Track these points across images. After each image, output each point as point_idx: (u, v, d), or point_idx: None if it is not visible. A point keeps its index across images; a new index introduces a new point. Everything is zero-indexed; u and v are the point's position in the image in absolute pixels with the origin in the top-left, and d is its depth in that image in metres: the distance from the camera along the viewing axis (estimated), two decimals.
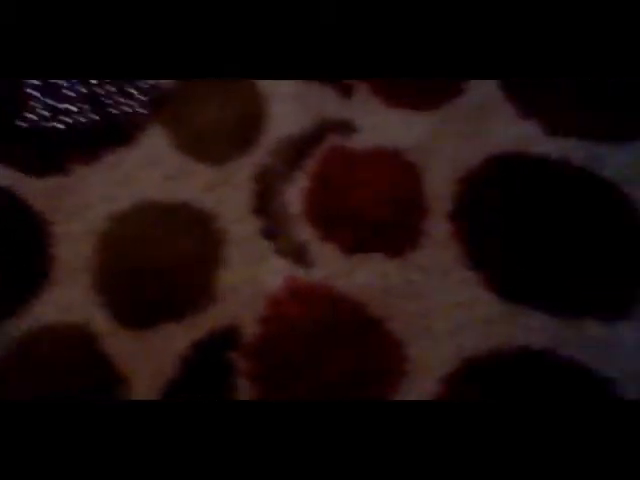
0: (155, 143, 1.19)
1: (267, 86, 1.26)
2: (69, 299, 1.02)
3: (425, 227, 1.12)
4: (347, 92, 1.27)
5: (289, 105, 1.25)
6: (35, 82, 1.15)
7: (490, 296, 1.05)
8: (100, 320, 1.01)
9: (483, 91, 1.27)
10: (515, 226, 1.12)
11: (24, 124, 1.14)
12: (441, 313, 1.04)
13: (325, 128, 1.22)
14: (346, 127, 1.23)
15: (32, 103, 1.15)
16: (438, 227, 1.11)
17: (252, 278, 1.06)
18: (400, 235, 1.11)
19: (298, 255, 1.08)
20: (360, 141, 1.21)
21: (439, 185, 1.15)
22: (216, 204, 1.13)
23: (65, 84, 1.15)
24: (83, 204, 1.12)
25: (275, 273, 1.06)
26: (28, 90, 1.15)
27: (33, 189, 1.12)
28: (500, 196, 1.16)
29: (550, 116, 1.24)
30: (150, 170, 1.16)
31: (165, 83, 1.23)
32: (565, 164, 1.19)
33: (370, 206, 1.13)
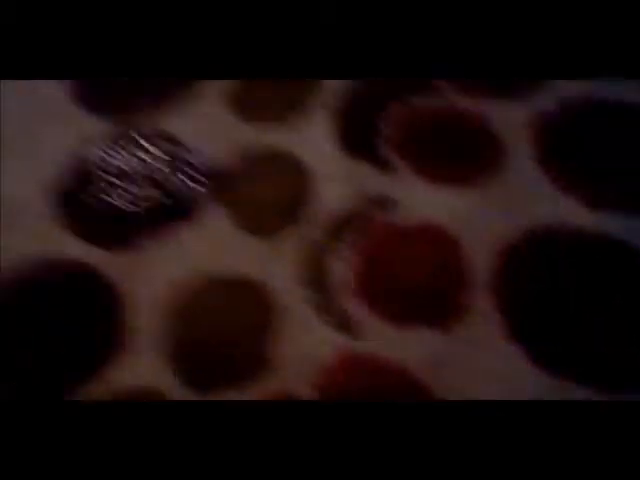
0: (214, 219, 1.27)
1: (314, 164, 1.34)
2: (138, 365, 1.09)
3: (468, 300, 1.17)
4: (389, 170, 1.35)
5: (336, 183, 1.32)
6: (106, 167, 1.25)
7: (533, 369, 1.08)
8: (166, 385, 1.07)
9: (522, 167, 1.33)
10: (555, 298, 1.17)
11: (96, 205, 1.24)
12: (485, 384, 1.08)
13: (369, 204, 1.29)
14: (389, 203, 1.30)
15: (103, 186, 1.25)
16: (481, 299, 1.16)
17: (304, 348, 1.11)
18: (444, 307, 1.16)
19: (347, 326, 1.14)
20: (403, 217, 1.27)
21: (481, 258, 1.21)
22: (269, 276, 1.20)
23: (131, 168, 1.24)
24: (150, 276, 1.19)
25: (325, 343, 1.12)
26: (110, 178, 1.25)
27: (105, 262, 1.20)
28: (540, 269, 1.20)
29: (589, 190, 1.29)
30: (209, 245, 1.24)
31: (222, 164, 1.32)
32: (604, 237, 1.23)
33: (414, 279, 1.19)
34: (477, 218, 1.26)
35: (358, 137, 1.39)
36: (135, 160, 1.25)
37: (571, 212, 1.27)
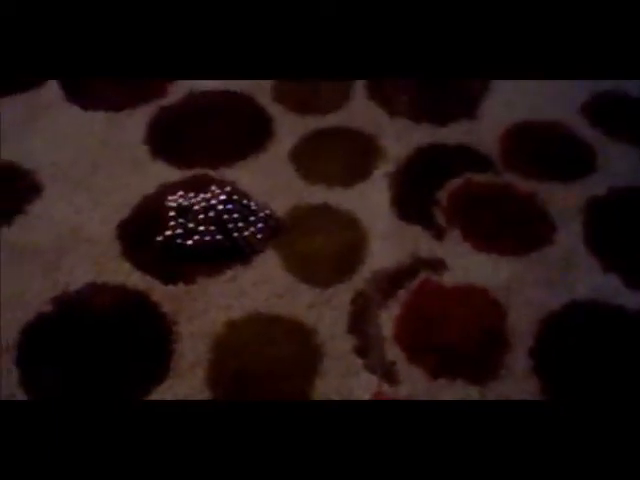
0: (268, 264, 1.36)
1: (368, 222, 1.43)
2: (185, 389, 1.16)
3: (506, 360, 1.21)
4: (440, 235, 1.42)
5: (387, 242, 1.41)
6: (175, 205, 1.36)
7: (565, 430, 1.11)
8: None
9: (567, 243, 1.39)
10: (591, 367, 1.20)
11: (162, 239, 1.34)
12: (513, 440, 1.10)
13: (418, 265, 1.36)
14: (438, 265, 1.37)
15: (170, 222, 1.35)
16: (519, 361, 1.20)
17: (344, 389, 1.17)
18: (483, 365, 1.20)
19: (387, 373, 1.19)
20: (450, 278, 1.34)
21: (522, 323, 1.26)
22: (316, 321, 1.27)
23: (198, 209, 1.35)
24: (203, 309, 1.28)
25: (365, 387, 1.17)
26: (169, 212, 1.36)
27: (163, 294, 1.30)
28: (578, 339, 1.24)
29: (629, 270, 1.34)
30: (261, 287, 1.32)
31: (282, 212, 1.42)
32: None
33: (456, 336, 1.24)
34: (520, 285, 1.31)
35: (416, 204, 1.47)
36: (203, 203, 1.36)
37: (611, 290, 1.31)
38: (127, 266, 1.35)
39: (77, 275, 1.33)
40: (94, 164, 1.55)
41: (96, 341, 1.24)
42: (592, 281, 1.33)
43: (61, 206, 1.45)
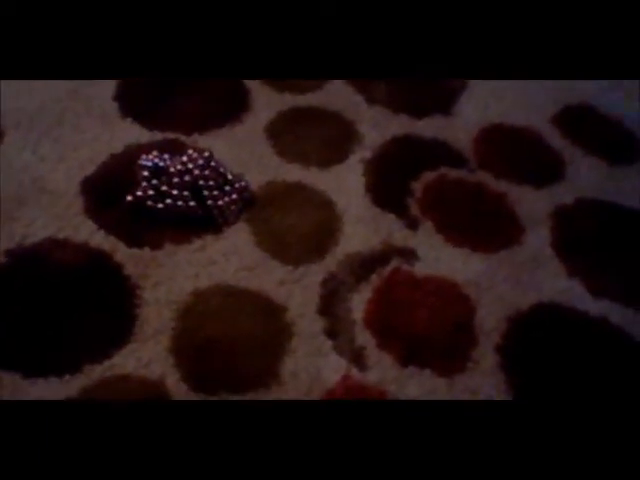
0: (239, 236, 1.32)
1: (343, 205, 1.41)
2: (147, 356, 1.11)
3: (474, 355, 1.21)
4: (414, 225, 1.41)
5: (361, 226, 1.39)
6: (148, 164, 1.30)
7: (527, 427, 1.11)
8: (171, 380, 1.08)
9: (536, 246, 1.41)
10: (556, 368, 1.22)
11: (131, 199, 1.28)
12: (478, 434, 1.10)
13: (391, 252, 1.35)
14: (410, 255, 1.36)
15: (142, 183, 1.29)
16: (486, 356, 1.21)
17: (312, 369, 1.14)
18: (450, 357, 1.20)
19: (356, 357, 1.17)
20: (421, 268, 1.33)
21: (490, 319, 1.26)
22: (286, 299, 1.24)
23: (174, 171, 1.30)
24: (169, 276, 1.23)
25: (333, 369, 1.15)
26: (142, 172, 1.30)
27: (127, 256, 1.24)
28: (544, 340, 1.26)
29: (593, 277, 1.37)
30: (231, 258, 1.28)
31: (256, 186, 1.38)
32: (603, 323, 1.30)
33: (425, 325, 1.23)
34: (489, 282, 1.32)
35: (391, 192, 1.46)
36: (180, 166, 1.30)
37: (575, 295, 1.33)
38: (90, 224, 1.29)
39: (36, 228, 1.26)
40: (61, 115, 1.47)
41: (53, 299, 1.17)
42: (558, 285, 1.35)
43: (24, 155, 1.37)
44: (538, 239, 1.43)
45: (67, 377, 1.05)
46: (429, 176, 1.52)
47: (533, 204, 1.51)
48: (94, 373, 1.07)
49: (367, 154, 1.54)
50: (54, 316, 1.14)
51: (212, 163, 1.34)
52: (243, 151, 1.48)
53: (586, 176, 1.60)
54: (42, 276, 1.19)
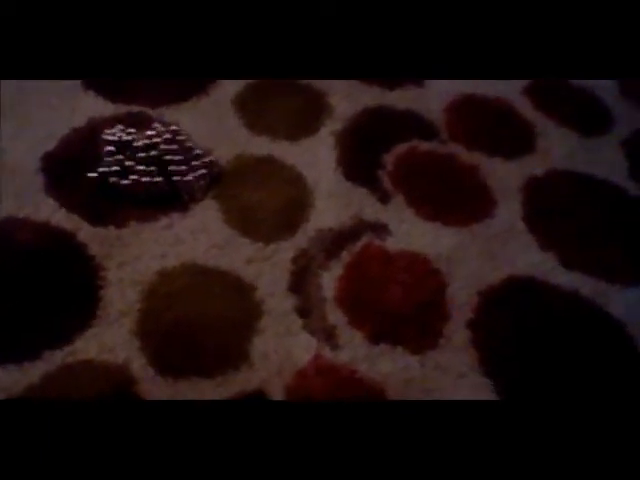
0: (207, 213, 1.29)
1: (313, 179, 1.38)
2: (111, 340, 1.08)
3: (445, 330, 1.20)
4: (385, 199, 1.39)
5: (332, 201, 1.36)
6: (113, 139, 1.26)
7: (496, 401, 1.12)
8: (137, 364, 1.06)
9: (508, 219, 1.40)
10: (527, 341, 1.21)
11: (95, 175, 1.24)
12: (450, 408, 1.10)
13: (362, 227, 1.33)
14: (381, 229, 1.34)
15: (106, 158, 1.25)
16: (457, 332, 1.20)
17: (282, 349, 1.12)
18: (422, 333, 1.19)
19: (327, 335, 1.16)
20: (393, 243, 1.31)
21: (461, 294, 1.25)
22: (255, 277, 1.21)
23: (140, 145, 1.26)
24: (134, 256, 1.19)
25: (304, 348, 1.13)
26: (106, 146, 1.25)
27: (91, 235, 1.20)
28: (515, 313, 1.25)
29: (565, 250, 1.36)
30: (199, 237, 1.25)
31: (227, 165, 1.35)
32: (574, 295, 1.30)
33: (397, 301, 1.22)
34: (461, 256, 1.31)
35: (362, 166, 1.44)
36: (145, 140, 1.26)
37: (547, 268, 1.33)
38: (51, 202, 1.25)
39: None
40: (19, 89, 1.41)
41: (13, 281, 1.13)
42: (530, 258, 1.34)
43: None
44: (510, 212, 1.42)
45: (26, 364, 1.02)
46: (401, 148, 1.50)
47: (504, 176, 1.49)
48: (55, 359, 1.04)
49: (338, 126, 1.51)
50: (13, 300, 1.10)
51: (179, 137, 1.30)
52: (210, 124, 1.44)
53: (558, 147, 1.59)
54: (2, 256, 1.15)
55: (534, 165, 1.54)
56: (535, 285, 1.30)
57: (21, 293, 1.11)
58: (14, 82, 1.41)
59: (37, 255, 1.16)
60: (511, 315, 1.25)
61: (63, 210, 1.23)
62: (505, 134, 1.61)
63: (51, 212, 1.22)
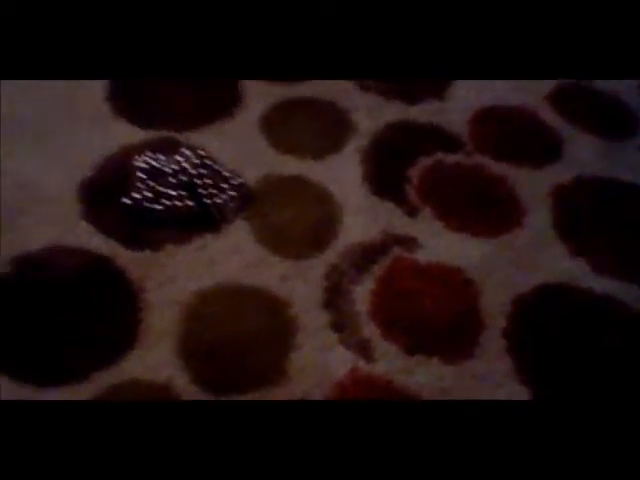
0: (239, 234, 1.31)
1: (341, 196, 1.40)
2: (154, 360, 1.10)
3: (480, 340, 1.21)
4: (413, 212, 1.41)
5: (361, 217, 1.38)
6: (144, 166, 1.29)
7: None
8: (181, 383, 1.08)
9: (538, 228, 1.40)
10: (563, 348, 1.22)
11: (129, 202, 1.27)
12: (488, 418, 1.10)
13: (391, 241, 1.35)
14: (410, 242, 1.35)
15: (138, 184, 1.28)
16: (493, 341, 1.21)
17: (319, 364, 1.14)
18: (457, 344, 1.20)
19: (362, 349, 1.17)
20: (423, 255, 1.33)
21: (495, 303, 1.26)
22: (289, 294, 1.23)
23: (170, 171, 1.29)
24: (171, 278, 1.22)
25: (340, 362, 1.15)
26: (137, 173, 1.29)
27: (129, 260, 1.23)
28: (550, 321, 1.26)
29: (596, 256, 1.36)
30: (232, 257, 1.27)
31: (256, 186, 1.37)
32: (608, 300, 1.30)
33: (430, 313, 1.23)
34: (492, 266, 1.32)
35: (388, 180, 1.45)
36: (175, 166, 1.29)
37: (579, 274, 1.33)
38: (90, 228, 1.28)
39: (36, 236, 1.25)
40: (54, 120, 1.45)
41: (58, 306, 1.16)
42: (561, 265, 1.35)
43: (18, 163, 1.35)
44: (539, 220, 1.43)
45: (76, 386, 1.05)
46: (426, 162, 1.51)
47: (532, 185, 1.50)
48: (102, 380, 1.07)
49: (363, 142, 1.53)
50: (60, 324, 1.13)
51: (207, 161, 1.33)
52: (237, 146, 1.47)
53: (584, 153, 1.59)
54: (44, 284, 1.18)
55: (561, 172, 1.54)
56: (568, 292, 1.31)
57: (67, 318, 1.14)
58: (47, 112, 1.45)
59: (79, 280, 1.20)
60: (546, 322, 1.25)
61: (101, 236, 1.26)
62: (531, 143, 1.62)
63: (89, 238, 1.25)
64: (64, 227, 1.26)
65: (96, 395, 1.04)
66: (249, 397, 1.08)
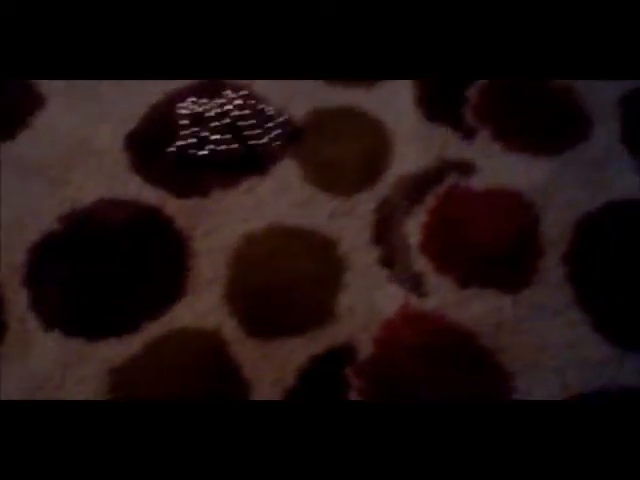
0: (286, 173, 1.29)
1: (393, 124, 1.34)
2: (203, 307, 1.12)
3: (539, 266, 1.15)
4: (469, 135, 1.33)
5: (413, 145, 1.32)
6: (188, 112, 1.28)
7: (599, 339, 1.06)
8: (229, 328, 1.09)
9: (604, 141, 1.30)
10: (629, 273, 1.13)
11: (174, 150, 1.27)
12: (550, 351, 1.06)
13: (446, 168, 1.29)
14: (466, 168, 1.29)
15: (183, 131, 1.28)
16: (552, 268, 1.14)
17: (369, 302, 1.12)
18: (514, 272, 1.15)
19: (413, 284, 1.14)
20: (480, 181, 1.26)
21: (556, 227, 1.19)
22: (338, 232, 1.21)
23: (213, 115, 1.27)
24: (219, 224, 1.22)
25: (391, 299, 1.12)
26: (181, 120, 1.28)
27: (176, 208, 1.24)
28: (615, 243, 1.17)
29: None
30: (281, 197, 1.26)
31: (301, 121, 1.34)
32: None
33: (486, 242, 1.18)
34: (555, 188, 1.24)
35: (441, 103, 1.38)
36: (217, 109, 1.28)
37: None
38: (138, 179, 1.29)
39: (86, 190, 1.27)
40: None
41: (108, 259, 1.19)
42: (629, 181, 1.25)
43: (66, 118, 1.38)
44: (607, 133, 1.32)
45: (126, 336, 1.08)
46: (483, 81, 1.42)
47: (600, 95, 1.38)
48: (153, 329, 1.09)
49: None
50: (111, 276, 1.17)
51: (250, 101, 1.31)
52: (281, 82, 1.42)
53: None
54: (96, 238, 1.21)
55: (633, 82, 1.40)
56: (635, 211, 1.21)
57: (118, 269, 1.17)
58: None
59: (129, 231, 1.22)
60: (610, 246, 1.17)
61: (149, 186, 1.27)
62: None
63: (138, 189, 1.27)
64: (112, 179, 1.28)
65: (147, 344, 1.07)
66: (297, 339, 1.08)
